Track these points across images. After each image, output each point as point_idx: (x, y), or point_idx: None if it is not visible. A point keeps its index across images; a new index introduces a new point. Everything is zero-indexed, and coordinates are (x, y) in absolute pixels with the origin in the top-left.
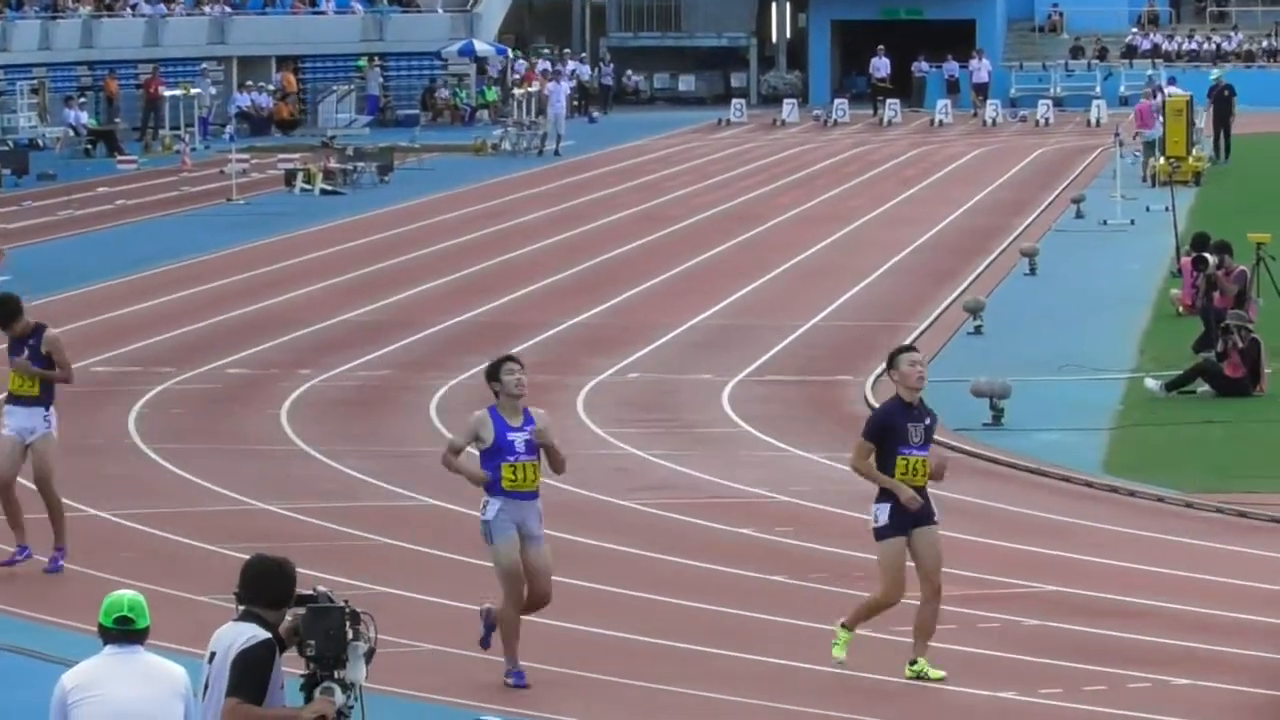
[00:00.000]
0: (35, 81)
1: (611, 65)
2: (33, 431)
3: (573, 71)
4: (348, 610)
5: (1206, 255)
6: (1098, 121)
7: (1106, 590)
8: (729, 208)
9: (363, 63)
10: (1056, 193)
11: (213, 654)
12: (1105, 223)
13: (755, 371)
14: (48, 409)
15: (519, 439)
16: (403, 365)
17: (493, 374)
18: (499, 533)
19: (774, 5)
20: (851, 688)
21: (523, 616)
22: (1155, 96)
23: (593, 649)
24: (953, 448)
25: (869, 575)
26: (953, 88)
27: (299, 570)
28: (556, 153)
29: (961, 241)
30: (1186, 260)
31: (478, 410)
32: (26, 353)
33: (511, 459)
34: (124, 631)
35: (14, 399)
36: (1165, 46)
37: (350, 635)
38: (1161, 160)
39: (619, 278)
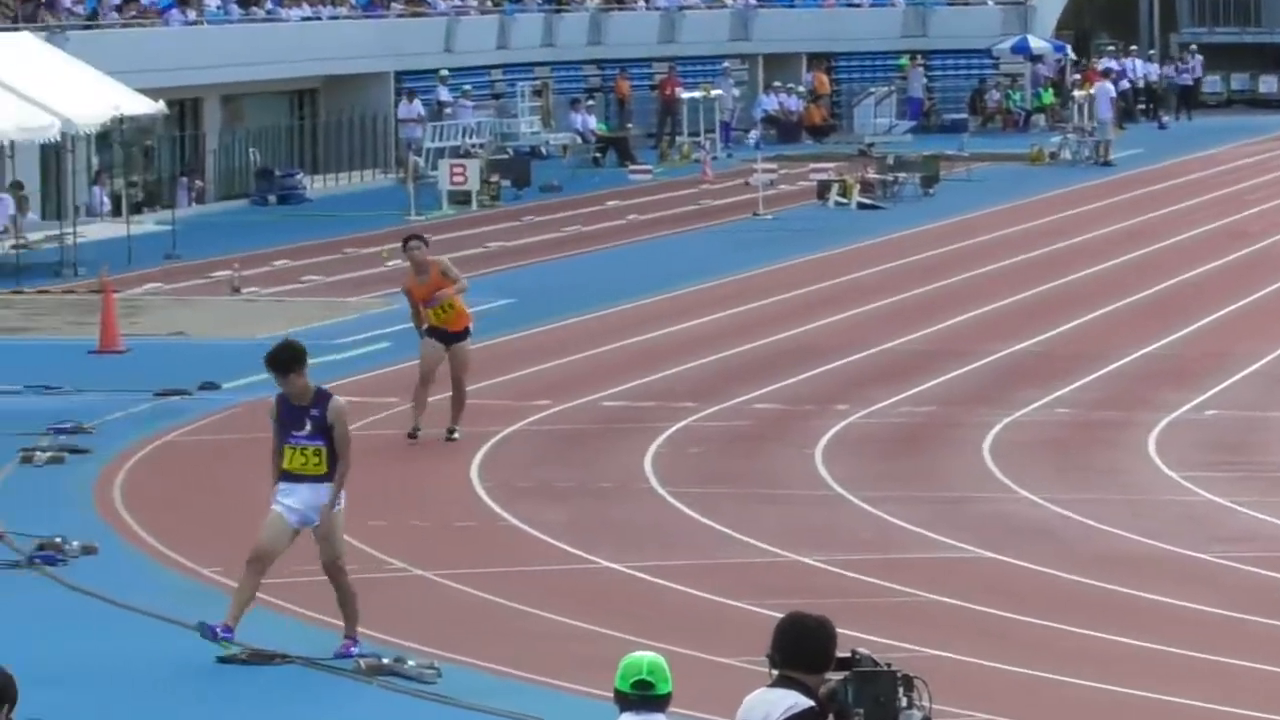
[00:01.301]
0: (538, 83)
1: (1195, 61)
2: (318, 510)
3: (1123, 72)
4: (899, 675)
5: None
6: None
7: None
8: None
9: (904, 61)
10: None
11: None
12: None
13: None
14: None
15: None
16: (950, 400)
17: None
18: None
19: None
20: None
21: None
22: None
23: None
24: None
25: None
26: None
27: (837, 630)
28: (1107, 162)
29: None
30: None
31: None
32: (309, 425)
33: None
34: (643, 697)
35: (293, 477)
36: None
37: (903, 703)
38: None
39: (1193, 302)
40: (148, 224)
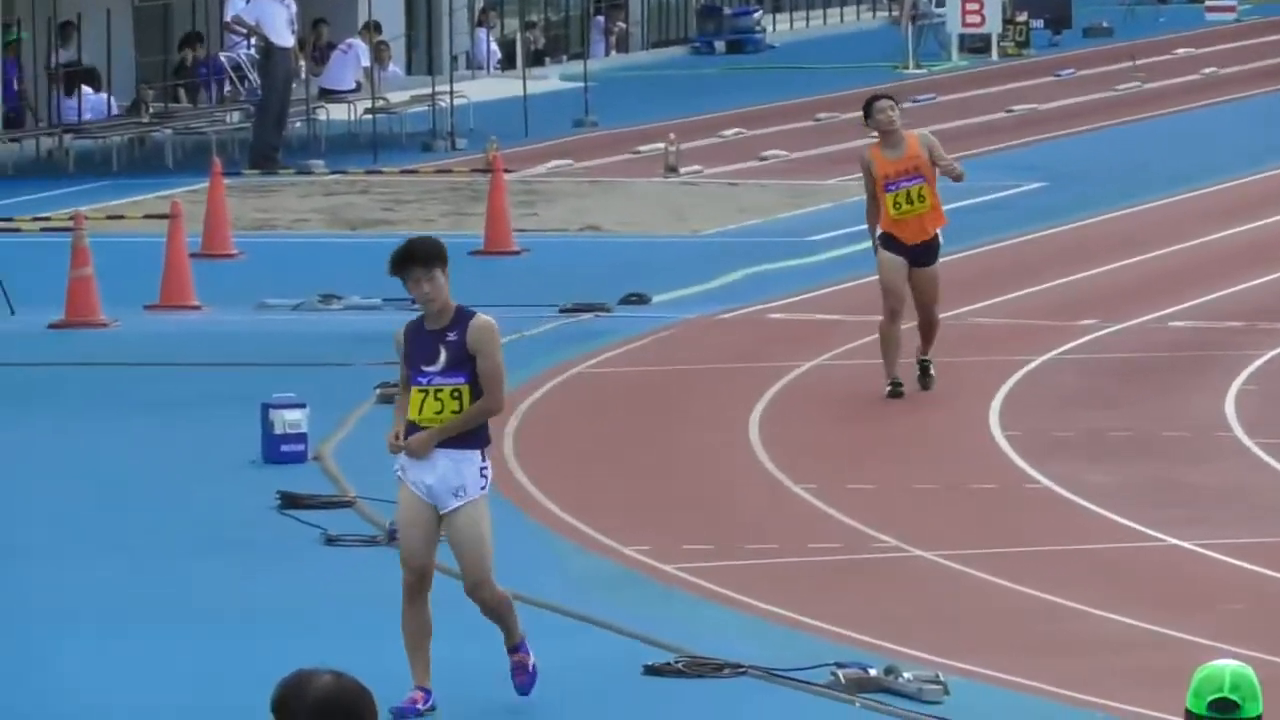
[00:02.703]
0: None
1: None
2: (457, 493)
3: None
4: None
5: None
6: None
7: None
8: None
9: None
10: None
11: None
12: None
13: None
14: (484, 454)
15: None
16: None
17: None
18: None
19: None
20: None
21: None
22: None
23: None
24: None
25: None
26: None
27: None
28: None
29: None
30: None
31: None
32: (443, 356)
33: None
34: None
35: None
36: None
37: None
38: None
39: None
40: (550, 80)
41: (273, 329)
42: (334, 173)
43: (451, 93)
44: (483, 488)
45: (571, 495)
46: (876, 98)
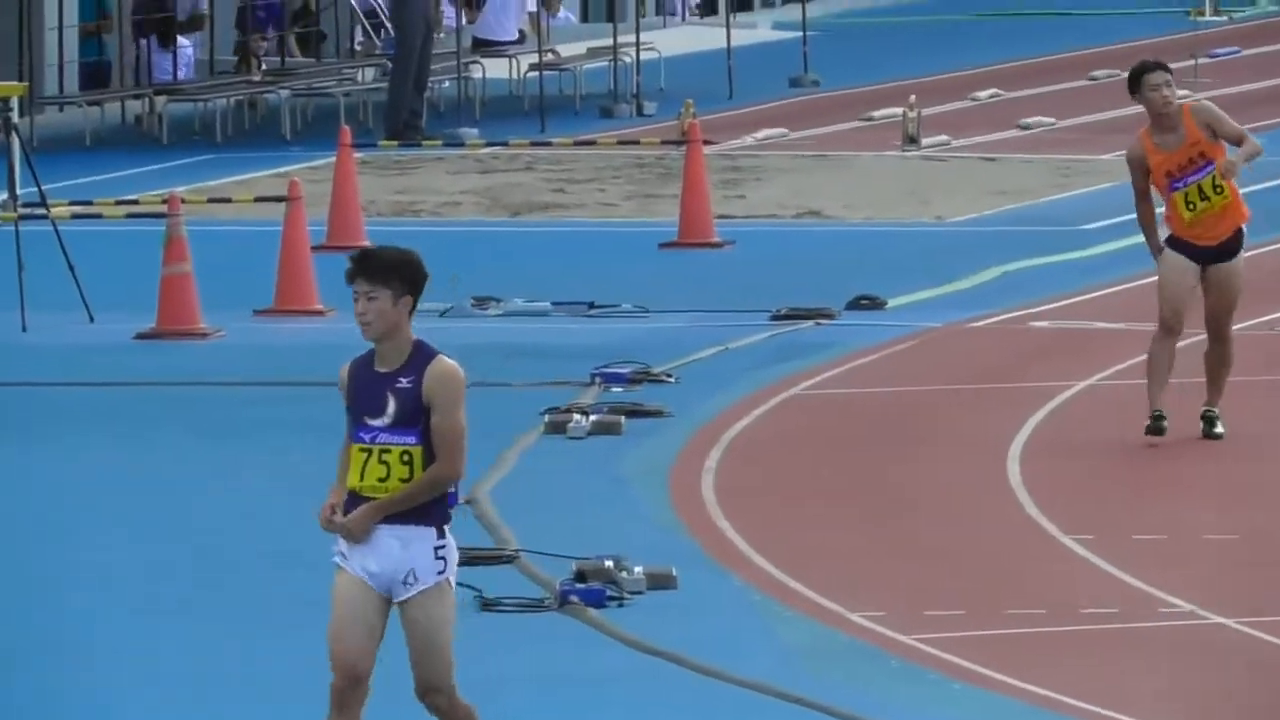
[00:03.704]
0: None
1: None
2: (407, 581)
3: None
4: None
5: None
6: None
7: None
8: None
9: None
10: None
11: None
12: None
13: None
14: (441, 532)
15: None
16: None
17: None
18: None
19: None
20: None
21: None
22: None
23: None
24: None
25: None
26: None
27: None
28: None
29: None
30: None
31: None
32: (391, 406)
33: None
34: None
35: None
36: None
37: None
38: None
39: None
40: (761, 29)
41: None
42: (491, 145)
43: (638, 45)
44: (440, 572)
45: (786, 548)
46: (1147, 68)
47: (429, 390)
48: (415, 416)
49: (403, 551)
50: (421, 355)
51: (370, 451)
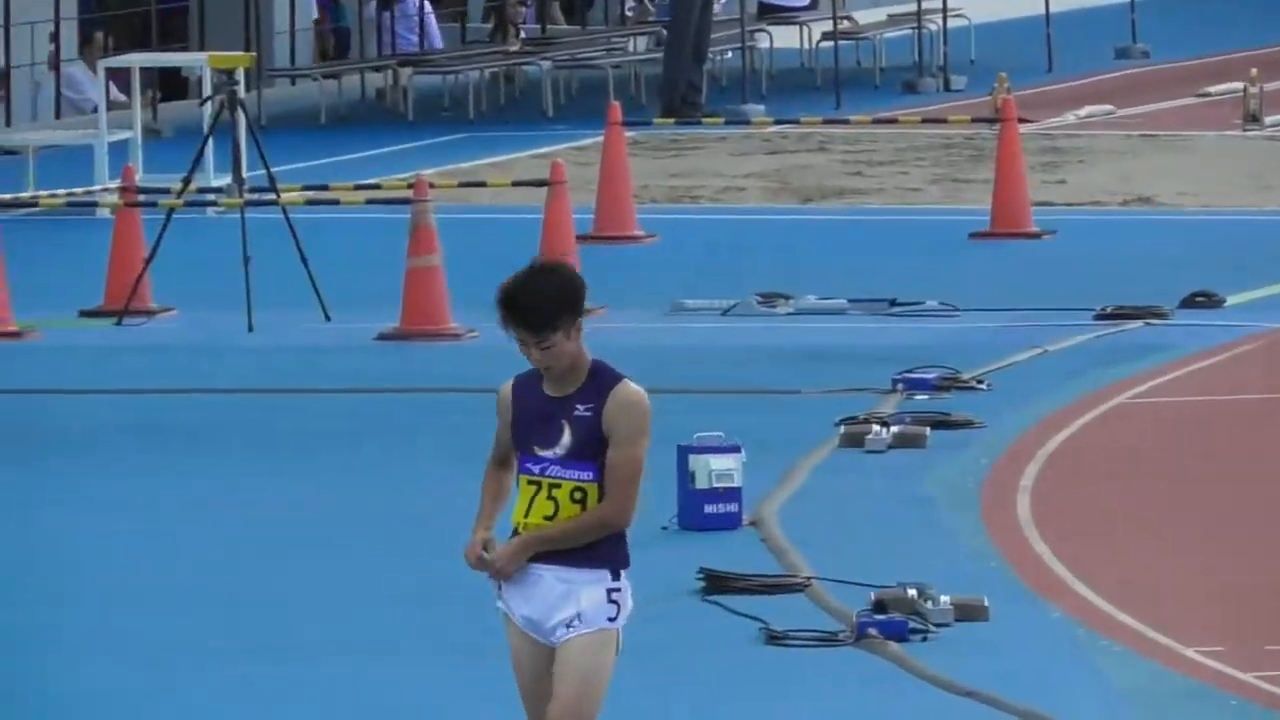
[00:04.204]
0: None
1: None
2: (570, 624)
3: None
4: None
5: None
6: None
7: None
8: None
9: None
10: None
11: None
12: None
13: None
14: (616, 574)
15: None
16: None
17: None
18: None
19: None
20: None
21: None
22: None
23: None
24: None
25: None
26: None
27: None
28: None
29: None
30: None
31: None
32: (567, 437)
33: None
34: None
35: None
36: None
37: None
38: None
39: None
40: None
41: (691, 341)
42: (779, 122)
43: (945, 11)
44: (611, 619)
45: (1110, 575)
46: None
47: (610, 418)
48: (593, 448)
49: (567, 595)
50: (603, 379)
51: (539, 485)
